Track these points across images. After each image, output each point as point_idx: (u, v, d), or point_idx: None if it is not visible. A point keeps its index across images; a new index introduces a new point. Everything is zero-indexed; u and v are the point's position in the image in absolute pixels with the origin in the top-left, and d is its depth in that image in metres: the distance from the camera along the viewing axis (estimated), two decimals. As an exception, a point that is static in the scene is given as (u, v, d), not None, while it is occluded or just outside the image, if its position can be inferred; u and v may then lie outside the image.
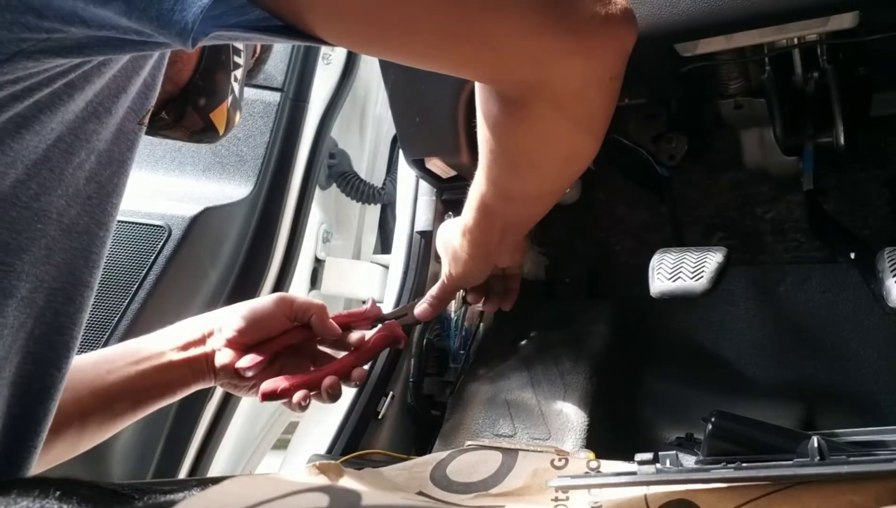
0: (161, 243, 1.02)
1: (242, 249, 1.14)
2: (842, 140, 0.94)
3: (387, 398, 0.97)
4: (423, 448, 0.94)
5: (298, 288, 1.29)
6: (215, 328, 0.78)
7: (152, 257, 1.01)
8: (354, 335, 0.83)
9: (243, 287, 1.13)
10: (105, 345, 0.96)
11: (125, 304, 0.98)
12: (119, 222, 1.01)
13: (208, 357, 0.77)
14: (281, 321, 0.79)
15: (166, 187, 1.13)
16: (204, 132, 0.73)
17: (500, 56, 0.55)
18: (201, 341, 0.78)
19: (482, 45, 0.53)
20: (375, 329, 0.84)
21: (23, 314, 0.50)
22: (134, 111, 0.54)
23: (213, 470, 1.13)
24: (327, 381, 0.76)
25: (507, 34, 0.52)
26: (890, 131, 1.05)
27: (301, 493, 0.43)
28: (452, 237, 0.83)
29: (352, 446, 0.89)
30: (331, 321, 0.81)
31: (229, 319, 0.78)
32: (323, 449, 0.90)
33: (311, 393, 0.75)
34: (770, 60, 0.90)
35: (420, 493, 0.62)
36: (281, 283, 1.18)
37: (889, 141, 1.06)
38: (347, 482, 0.61)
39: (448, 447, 0.84)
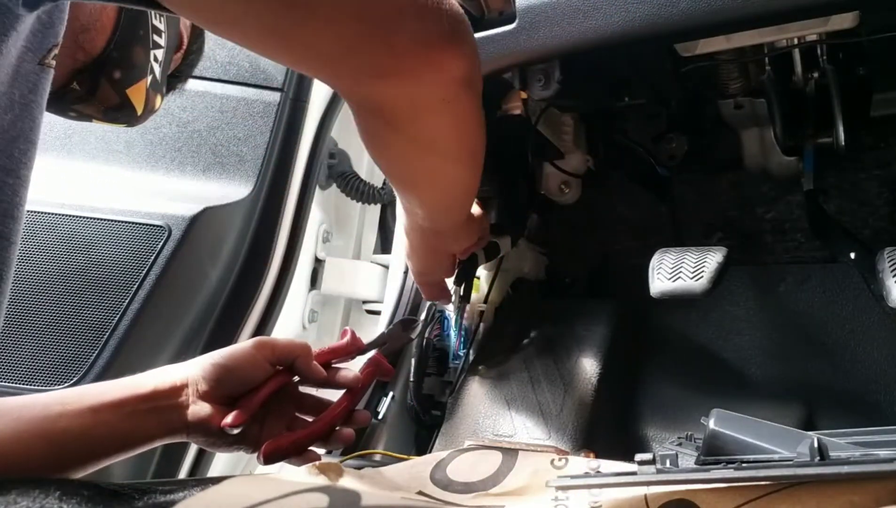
0: (161, 243, 1.02)
1: (242, 249, 1.14)
2: (842, 140, 0.94)
3: (387, 399, 0.97)
4: (423, 448, 0.94)
5: (298, 288, 1.29)
6: (189, 379, 0.69)
7: (152, 257, 1.01)
8: (342, 374, 0.76)
9: (243, 287, 1.13)
10: (105, 345, 0.96)
11: (125, 304, 0.98)
12: (119, 221, 1.03)
13: (179, 410, 0.68)
14: (262, 368, 0.71)
15: (166, 187, 1.13)
16: (120, 109, 0.69)
17: (323, 64, 0.55)
18: (172, 392, 0.68)
19: (304, 51, 0.54)
20: (362, 364, 0.79)
21: None
22: (30, 51, 0.51)
23: (213, 470, 1.13)
24: (345, 434, 0.73)
25: (324, 45, 0.53)
26: (890, 131, 1.05)
27: (301, 493, 0.43)
28: (405, 236, 0.85)
29: (352, 446, 0.89)
30: (315, 363, 0.74)
31: (204, 369, 0.69)
32: (323, 450, 0.90)
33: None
34: (770, 60, 0.90)
35: (420, 493, 0.62)
36: (281, 283, 1.18)
37: (889, 141, 1.06)
38: (347, 482, 0.61)
39: (448, 447, 0.84)
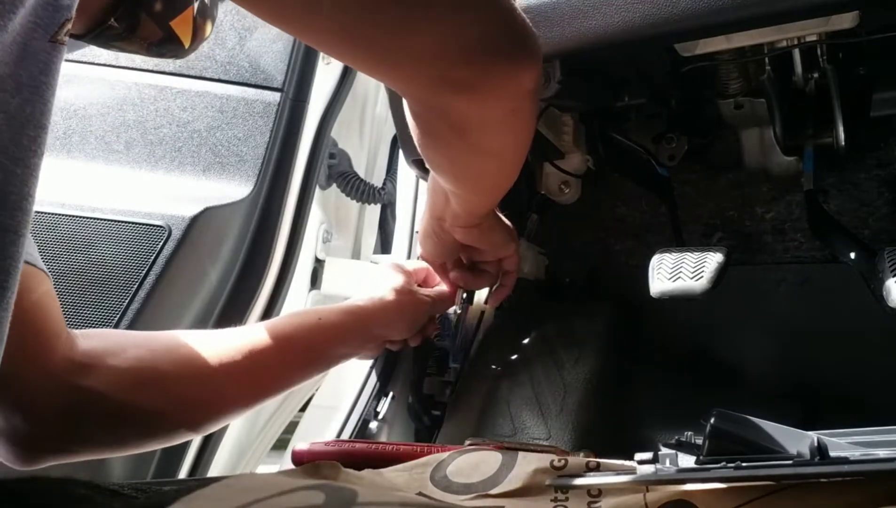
0: (161, 243, 1.02)
1: (242, 249, 1.14)
2: (842, 140, 0.94)
3: (387, 398, 0.97)
4: (423, 448, 0.94)
5: (298, 288, 1.29)
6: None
7: (152, 257, 1.01)
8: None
9: (243, 287, 1.13)
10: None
11: (125, 304, 0.98)
12: (118, 222, 1.03)
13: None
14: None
15: (166, 187, 1.13)
16: (165, 44, 0.64)
17: (397, 72, 0.57)
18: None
19: (380, 58, 0.55)
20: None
21: None
22: (40, 27, 0.47)
23: (213, 470, 1.13)
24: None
25: (404, 57, 0.54)
26: (890, 131, 1.05)
27: (297, 491, 0.43)
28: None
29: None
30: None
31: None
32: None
33: None
34: (770, 60, 0.90)
35: (420, 494, 0.62)
36: (281, 283, 1.18)
37: (889, 141, 1.06)
38: (346, 481, 0.60)
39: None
